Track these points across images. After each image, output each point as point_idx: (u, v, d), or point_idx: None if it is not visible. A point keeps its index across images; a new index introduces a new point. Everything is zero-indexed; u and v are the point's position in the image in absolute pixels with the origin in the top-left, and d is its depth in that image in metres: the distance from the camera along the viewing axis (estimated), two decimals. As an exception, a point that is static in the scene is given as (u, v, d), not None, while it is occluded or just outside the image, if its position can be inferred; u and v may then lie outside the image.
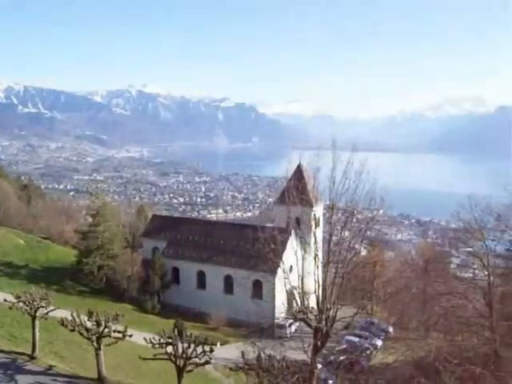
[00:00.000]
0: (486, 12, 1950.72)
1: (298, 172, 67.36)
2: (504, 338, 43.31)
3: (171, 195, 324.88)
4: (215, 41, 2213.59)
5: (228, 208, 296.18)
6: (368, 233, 45.23)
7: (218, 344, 57.34)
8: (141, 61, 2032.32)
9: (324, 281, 34.08)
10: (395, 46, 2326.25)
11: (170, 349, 30.33)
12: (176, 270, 77.19)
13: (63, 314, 34.41)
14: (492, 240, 45.63)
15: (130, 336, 33.16)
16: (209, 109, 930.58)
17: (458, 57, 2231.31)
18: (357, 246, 37.20)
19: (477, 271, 51.70)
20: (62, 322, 32.26)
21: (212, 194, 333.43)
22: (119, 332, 32.00)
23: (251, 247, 52.08)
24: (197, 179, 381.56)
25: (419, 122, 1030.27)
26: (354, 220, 37.09)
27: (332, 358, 56.38)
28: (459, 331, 49.31)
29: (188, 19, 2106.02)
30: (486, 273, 45.40)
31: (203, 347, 31.78)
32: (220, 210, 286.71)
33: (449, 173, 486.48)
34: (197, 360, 30.90)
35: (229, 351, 54.31)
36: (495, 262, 46.67)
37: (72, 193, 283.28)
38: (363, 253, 65.44)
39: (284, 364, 33.76)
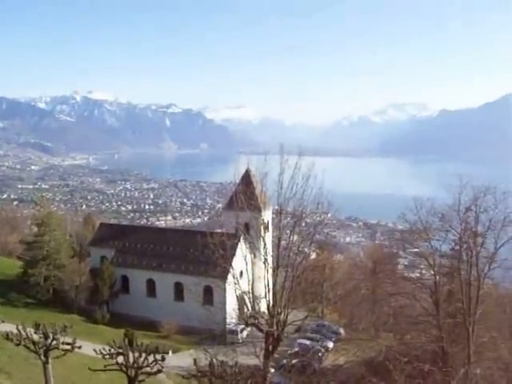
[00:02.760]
0: (429, 19, 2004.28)
1: (246, 177, 67.49)
2: (450, 335, 44.40)
3: (119, 203, 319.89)
4: (161, 47, 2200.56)
5: (177, 215, 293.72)
6: (317, 236, 45.67)
7: (170, 352, 56.68)
8: (85, 67, 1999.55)
9: (274, 285, 34.22)
10: (341, 53, 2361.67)
11: (120, 359, 29.82)
12: (125, 279, 76.06)
13: (9, 327, 33.36)
14: (437, 240, 46.67)
15: (79, 347, 32.41)
16: (156, 115, 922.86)
17: (402, 62, 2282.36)
18: (306, 250, 37.55)
19: (424, 271, 52.82)
20: (7, 336, 31.22)
21: (160, 201, 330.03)
22: (68, 344, 31.23)
23: (201, 253, 51.78)
24: (145, 186, 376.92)
25: (366, 127, 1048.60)
26: (303, 224, 37.39)
27: (284, 361, 56.60)
28: (408, 330, 50.27)
29: (132, 25, 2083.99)
30: (433, 272, 46.45)
31: (155, 356, 31.38)
32: (169, 217, 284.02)
33: (395, 176, 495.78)
34: (148, 369, 30.47)
35: (181, 359, 53.83)
36: (441, 261, 47.84)
37: (16, 202, 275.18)
38: (312, 256, 65.93)
39: (236, 370, 33.68)
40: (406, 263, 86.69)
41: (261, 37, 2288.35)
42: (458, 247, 44.71)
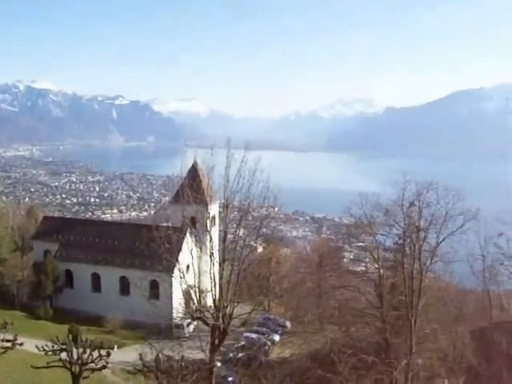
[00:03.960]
0: (377, 15, 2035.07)
1: (193, 171, 67.08)
2: (394, 327, 45.28)
3: (63, 196, 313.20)
4: (109, 37, 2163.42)
5: (123, 208, 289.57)
6: (263, 230, 45.87)
7: (115, 347, 56.04)
8: (29, 56, 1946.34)
9: (220, 279, 34.17)
10: (291, 48, 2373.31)
11: (64, 355, 29.26)
12: (69, 273, 74.58)
13: None
14: (381, 234, 47.50)
15: (21, 344, 31.70)
16: (102, 106, 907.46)
17: (351, 58, 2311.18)
18: (252, 244, 37.66)
19: (368, 265, 53.69)
20: None
21: (106, 194, 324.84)
22: (8, 341, 30.47)
23: (147, 247, 51.21)
24: (90, 179, 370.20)
25: (314, 121, 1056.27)
26: (249, 218, 37.42)
27: (231, 355, 56.67)
28: (353, 323, 51.03)
29: (79, 14, 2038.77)
30: (377, 266, 47.26)
31: (99, 351, 30.93)
32: (115, 210, 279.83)
33: (342, 171, 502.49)
34: (93, 365, 30.05)
35: (127, 354, 53.30)
36: (385, 255, 48.72)
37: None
38: (259, 250, 66.20)
39: (183, 364, 33.59)
40: (351, 257, 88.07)
41: (209, 29, 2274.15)
42: (401, 241, 45.54)
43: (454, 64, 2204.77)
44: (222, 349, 40.01)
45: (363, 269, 57.59)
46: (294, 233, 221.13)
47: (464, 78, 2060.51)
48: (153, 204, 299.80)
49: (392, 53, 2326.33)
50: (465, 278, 52.52)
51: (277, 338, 65.40)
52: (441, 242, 43.03)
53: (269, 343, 62.21)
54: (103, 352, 30.94)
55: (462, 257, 44.83)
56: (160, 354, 35.32)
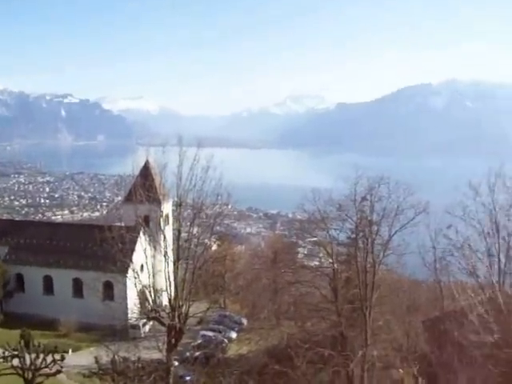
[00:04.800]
0: (325, 11, 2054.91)
1: (145, 169, 66.30)
2: (349, 320, 45.81)
3: (12, 197, 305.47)
4: (56, 36, 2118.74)
5: (74, 208, 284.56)
6: (217, 228, 45.72)
7: (70, 351, 55.07)
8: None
9: (175, 278, 33.95)
10: (240, 45, 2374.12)
11: (16, 361, 28.53)
12: (20, 277, 72.73)
13: None
14: (335, 229, 47.90)
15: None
16: (51, 105, 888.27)
17: (301, 54, 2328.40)
18: (206, 241, 37.53)
19: (322, 259, 54.17)
20: None
21: (57, 195, 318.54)
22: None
23: (100, 248, 50.28)
24: (40, 179, 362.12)
25: (266, 118, 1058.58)
26: (203, 215, 37.27)
27: (188, 354, 56.37)
28: (308, 317, 51.42)
29: (29, 10, 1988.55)
30: (331, 260, 47.66)
31: (53, 356, 30.32)
32: (66, 211, 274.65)
33: (294, 167, 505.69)
34: (47, 370, 29.41)
35: (82, 357, 52.50)
36: (338, 249, 49.18)
37: None
38: (213, 248, 65.97)
39: (139, 365, 33.31)
40: (305, 252, 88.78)
41: (157, 26, 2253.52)
42: (354, 235, 46.08)
43: (402, 60, 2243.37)
44: (178, 348, 39.69)
45: (317, 263, 58.11)
46: (248, 229, 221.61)
47: (412, 74, 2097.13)
48: (105, 204, 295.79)
49: (342, 49, 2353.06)
50: (417, 269, 53.61)
51: (233, 335, 65.40)
52: (393, 235, 43.75)
53: (225, 341, 62.15)
54: (57, 356, 30.34)
55: (414, 249, 45.67)
56: (116, 356, 34.89)
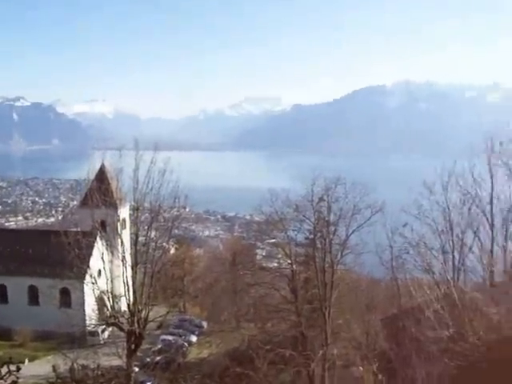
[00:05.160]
0: (279, 13, 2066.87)
1: (101, 173, 65.45)
2: (309, 320, 46.11)
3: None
4: (5, 37, 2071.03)
5: (28, 214, 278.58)
6: (175, 231, 45.51)
7: (26, 361, 53.85)
8: None
9: (134, 282, 33.66)
10: (196, 48, 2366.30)
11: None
12: (-29, 287, 70.83)
13: None
14: (293, 230, 48.17)
15: None
16: (2, 109, 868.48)
17: (257, 57, 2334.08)
18: (164, 245, 37.27)
19: (281, 260, 54.36)
20: None
21: (10, 201, 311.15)
22: None
23: (55, 254, 49.56)
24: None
25: (222, 120, 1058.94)
26: (161, 219, 37.07)
27: (148, 359, 55.84)
28: (269, 318, 51.51)
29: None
30: (289, 261, 47.89)
31: (8, 367, 29.62)
32: (20, 217, 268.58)
33: (251, 169, 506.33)
34: (2, 382, 28.67)
35: (39, 367, 51.42)
36: (297, 250, 49.41)
37: None
38: (172, 251, 65.64)
39: (99, 372, 32.78)
40: (264, 254, 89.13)
41: (107, 26, 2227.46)
42: (312, 236, 46.38)
43: (357, 62, 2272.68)
44: (138, 353, 39.32)
45: (276, 265, 58.27)
46: (207, 232, 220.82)
47: (367, 76, 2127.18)
48: (60, 209, 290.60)
49: (298, 50, 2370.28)
50: (374, 268, 54.34)
51: (194, 338, 65.15)
52: (350, 234, 44.26)
53: (186, 344, 61.87)
54: (12, 367, 29.62)
55: (371, 248, 46.25)
56: (74, 364, 34.30)
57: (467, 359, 15.61)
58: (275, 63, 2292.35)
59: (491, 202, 29.78)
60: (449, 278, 25.66)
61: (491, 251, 27.56)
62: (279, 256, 54.96)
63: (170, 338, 62.25)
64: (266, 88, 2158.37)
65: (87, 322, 55.31)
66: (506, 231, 28.49)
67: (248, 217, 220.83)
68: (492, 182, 29.67)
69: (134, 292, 33.19)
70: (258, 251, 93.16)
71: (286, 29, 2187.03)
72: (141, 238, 34.83)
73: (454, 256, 30.10)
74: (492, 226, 29.53)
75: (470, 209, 30.42)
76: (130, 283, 33.38)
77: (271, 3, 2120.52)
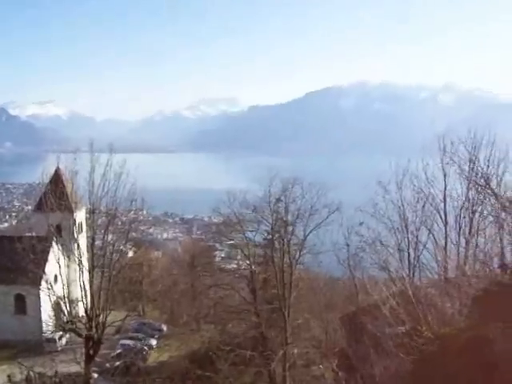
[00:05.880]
0: (235, 13, 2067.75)
1: (56, 177, 64.11)
2: (268, 321, 46.30)
3: None
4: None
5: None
6: (133, 234, 45.14)
7: (-20, 372, 52.60)
8: None
9: (91, 287, 33.27)
10: (146, 47, 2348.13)
11: None
12: None
13: None
14: (251, 231, 48.35)
15: None
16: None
17: (212, 58, 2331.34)
18: (122, 248, 36.93)
19: (240, 262, 54.49)
20: None
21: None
22: None
23: (9, 260, 48.40)
24: None
25: (178, 122, 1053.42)
26: (118, 222, 36.77)
27: (108, 364, 55.08)
28: (229, 320, 51.52)
29: None
30: (248, 262, 48.07)
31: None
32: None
33: (209, 170, 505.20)
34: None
35: (-6, 377, 50.31)
36: (255, 251, 49.56)
37: None
38: (130, 254, 65.03)
39: (56, 379, 32.40)
40: (223, 255, 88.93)
41: (63, 26, 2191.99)
42: (270, 237, 46.67)
43: (313, 63, 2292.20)
44: (97, 359, 38.91)
45: (235, 266, 58.34)
46: (165, 235, 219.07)
47: (323, 77, 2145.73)
48: (14, 214, 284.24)
49: (254, 51, 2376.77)
50: (332, 267, 54.85)
51: (154, 342, 64.51)
52: (308, 234, 44.69)
53: (146, 348, 61.24)
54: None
55: (329, 247, 46.74)
56: (31, 372, 33.75)
57: (422, 353, 15.98)
58: (231, 64, 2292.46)
59: (444, 200, 30.35)
60: (404, 274, 26.15)
61: (445, 248, 28.08)
62: (238, 257, 55.13)
63: (129, 342, 61.48)
64: (222, 89, 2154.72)
65: (44, 329, 54.29)
66: (459, 228, 29.09)
67: (206, 219, 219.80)
68: (445, 181, 30.26)
69: (92, 296, 32.83)
70: (217, 253, 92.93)
71: (241, 30, 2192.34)
72: (98, 242, 34.47)
73: (409, 253, 30.61)
74: (445, 223, 30.09)
75: (423, 207, 30.95)
76: (87, 288, 33.00)
77: (229, 4, 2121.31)
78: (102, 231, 34.08)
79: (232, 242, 55.51)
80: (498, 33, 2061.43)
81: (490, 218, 25.87)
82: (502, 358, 13.36)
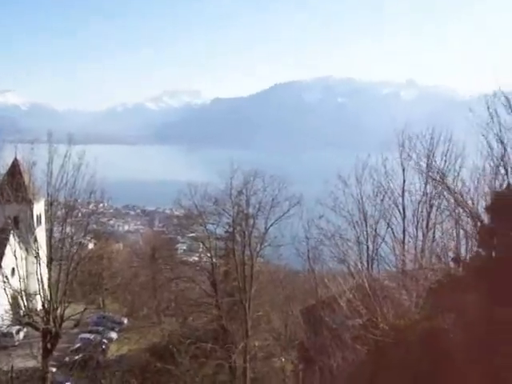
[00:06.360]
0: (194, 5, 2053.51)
1: (13, 168, 62.87)
2: (229, 313, 46.47)
3: None
4: None
5: None
6: (94, 226, 44.70)
7: None
8: None
9: (49, 280, 32.84)
10: (109, 38, 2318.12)
11: None
12: None
13: None
14: (212, 224, 48.35)
15: None
16: None
17: (176, 49, 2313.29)
18: (82, 241, 36.51)
19: (202, 254, 54.46)
20: None
21: None
22: None
23: (-36, 253, 47.52)
24: None
25: (141, 113, 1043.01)
26: (78, 214, 36.35)
27: (67, 358, 54.39)
28: (190, 312, 51.63)
29: None
30: (209, 255, 48.10)
31: None
32: None
33: (171, 162, 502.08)
34: None
35: None
36: (217, 243, 49.60)
37: None
38: (90, 246, 64.21)
39: (13, 374, 31.88)
40: (184, 248, 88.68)
41: (24, 14, 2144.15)
42: (231, 229, 46.75)
43: (276, 56, 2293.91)
44: (56, 353, 38.41)
45: (197, 259, 58.30)
46: (126, 227, 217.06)
47: (287, 70, 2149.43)
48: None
49: (215, 44, 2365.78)
50: (292, 260, 55.26)
51: (114, 335, 63.95)
52: (269, 227, 44.94)
53: (106, 342, 60.67)
54: None
55: (289, 240, 47.05)
56: (-14, 367, 33.17)
57: (378, 345, 16.28)
58: (194, 57, 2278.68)
59: (403, 194, 30.79)
60: (363, 267, 26.54)
61: (403, 241, 28.54)
62: (200, 250, 55.09)
63: (89, 335, 60.85)
64: (185, 81, 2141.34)
65: (0, 323, 53.36)
66: (417, 222, 29.56)
67: (168, 211, 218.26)
68: (403, 175, 30.69)
69: (50, 289, 32.41)
70: (179, 245, 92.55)
71: (203, 23, 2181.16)
72: (56, 234, 34.02)
73: (368, 246, 31.04)
74: (404, 216, 30.53)
75: (382, 201, 31.37)
76: (45, 281, 32.54)
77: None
78: (61, 223, 33.64)
79: (193, 234, 55.46)
80: (458, 32, 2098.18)
81: (447, 213, 26.36)
82: (455, 347, 13.71)
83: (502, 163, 16.35)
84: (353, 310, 19.19)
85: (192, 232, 54.28)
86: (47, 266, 32.71)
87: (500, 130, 15.97)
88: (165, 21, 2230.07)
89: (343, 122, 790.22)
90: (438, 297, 15.23)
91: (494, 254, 14.17)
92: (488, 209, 15.18)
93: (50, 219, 33.39)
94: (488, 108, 16.50)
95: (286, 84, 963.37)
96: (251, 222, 45.23)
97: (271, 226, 45.09)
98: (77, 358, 54.13)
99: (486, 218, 15.75)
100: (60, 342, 35.08)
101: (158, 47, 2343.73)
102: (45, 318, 32.38)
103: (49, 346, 33.30)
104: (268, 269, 53.22)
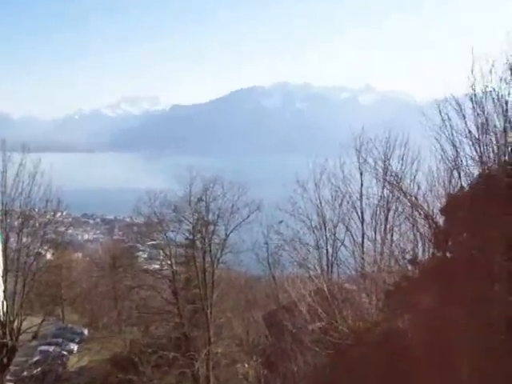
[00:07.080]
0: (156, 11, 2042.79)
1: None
2: (191, 321, 46.24)
3: None
4: None
5: None
6: (52, 235, 43.93)
7: None
8: None
9: (4, 292, 32.11)
10: (66, 44, 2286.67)
11: None
12: None
13: None
14: (172, 231, 48.07)
15: None
16: None
17: (130, 57, 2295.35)
18: (39, 251, 35.84)
19: (162, 262, 54.04)
20: None
21: None
22: None
23: None
24: None
25: (98, 121, 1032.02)
26: (35, 223, 35.70)
27: (25, 373, 53.17)
28: (152, 321, 51.13)
29: None
30: (170, 262, 47.78)
31: None
32: None
33: (129, 170, 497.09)
34: None
35: None
36: (177, 251, 49.31)
37: None
38: (48, 257, 63.06)
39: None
40: (145, 256, 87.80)
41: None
42: (192, 236, 46.57)
43: (235, 63, 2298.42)
44: (13, 367, 37.56)
45: (157, 267, 57.81)
46: (86, 236, 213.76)
47: (245, 77, 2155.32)
48: None
49: (173, 51, 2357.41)
50: (252, 266, 55.36)
51: (74, 347, 62.94)
52: (229, 233, 44.97)
53: (66, 353, 59.60)
54: None
55: (249, 246, 47.14)
56: None
57: (338, 347, 16.44)
58: (153, 63, 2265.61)
59: (361, 198, 31.05)
60: (323, 271, 26.76)
61: (362, 244, 28.80)
62: (160, 258, 54.62)
63: (48, 348, 59.68)
64: (144, 88, 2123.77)
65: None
66: (375, 225, 29.87)
67: (128, 219, 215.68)
68: (361, 179, 30.98)
69: (5, 302, 31.69)
70: (140, 254, 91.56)
71: (161, 30, 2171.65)
72: (13, 245, 33.36)
73: (327, 250, 31.30)
74: (362, 220, 30.82)
75: (341, 205, 31.62)
76: (1, 293, 31.81)
77: (148, 5, 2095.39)
78: (16, 233, 32.99)
79: (154, 242, 55.04)
80: (414, 35, 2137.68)
81: (404, 216, 26.74)
82: (413, 347, 13.96)
83: (455, 166, 16.67)
84: (313, 313, 19.30)
85: (152, 240, 53.88)
86: (2, 277, 31.95)
87: (452, 134, 16.28)
88: (124, 29, 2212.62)
89: (302, 127, 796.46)
90: (395, 298, 15.45)
91: (448, 255, 14.47)
92: (442, 211, 15.47)
93: (6, 229, 32.66)
94: (440, 112, 16.81)
95: (245, 90, 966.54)
96: (211, 228, 45.21)
97: (231, 232, 45.13)
98: (35, 371, 53.10)
99: (440, 221, 16.03)
100: (17, 355, 34.28)
101: (117, 55, 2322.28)
102: (1, 332, 31.62)
103: (5, 360, 32.51)
104: (229, 275, 53.18)
